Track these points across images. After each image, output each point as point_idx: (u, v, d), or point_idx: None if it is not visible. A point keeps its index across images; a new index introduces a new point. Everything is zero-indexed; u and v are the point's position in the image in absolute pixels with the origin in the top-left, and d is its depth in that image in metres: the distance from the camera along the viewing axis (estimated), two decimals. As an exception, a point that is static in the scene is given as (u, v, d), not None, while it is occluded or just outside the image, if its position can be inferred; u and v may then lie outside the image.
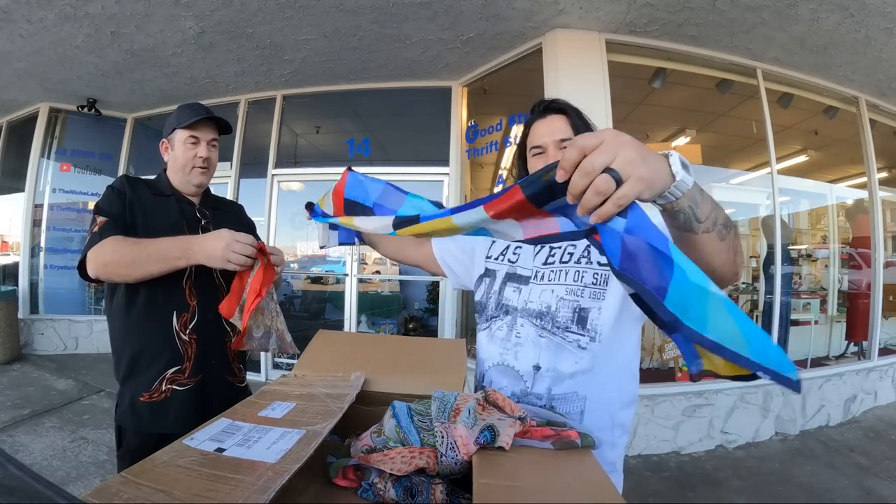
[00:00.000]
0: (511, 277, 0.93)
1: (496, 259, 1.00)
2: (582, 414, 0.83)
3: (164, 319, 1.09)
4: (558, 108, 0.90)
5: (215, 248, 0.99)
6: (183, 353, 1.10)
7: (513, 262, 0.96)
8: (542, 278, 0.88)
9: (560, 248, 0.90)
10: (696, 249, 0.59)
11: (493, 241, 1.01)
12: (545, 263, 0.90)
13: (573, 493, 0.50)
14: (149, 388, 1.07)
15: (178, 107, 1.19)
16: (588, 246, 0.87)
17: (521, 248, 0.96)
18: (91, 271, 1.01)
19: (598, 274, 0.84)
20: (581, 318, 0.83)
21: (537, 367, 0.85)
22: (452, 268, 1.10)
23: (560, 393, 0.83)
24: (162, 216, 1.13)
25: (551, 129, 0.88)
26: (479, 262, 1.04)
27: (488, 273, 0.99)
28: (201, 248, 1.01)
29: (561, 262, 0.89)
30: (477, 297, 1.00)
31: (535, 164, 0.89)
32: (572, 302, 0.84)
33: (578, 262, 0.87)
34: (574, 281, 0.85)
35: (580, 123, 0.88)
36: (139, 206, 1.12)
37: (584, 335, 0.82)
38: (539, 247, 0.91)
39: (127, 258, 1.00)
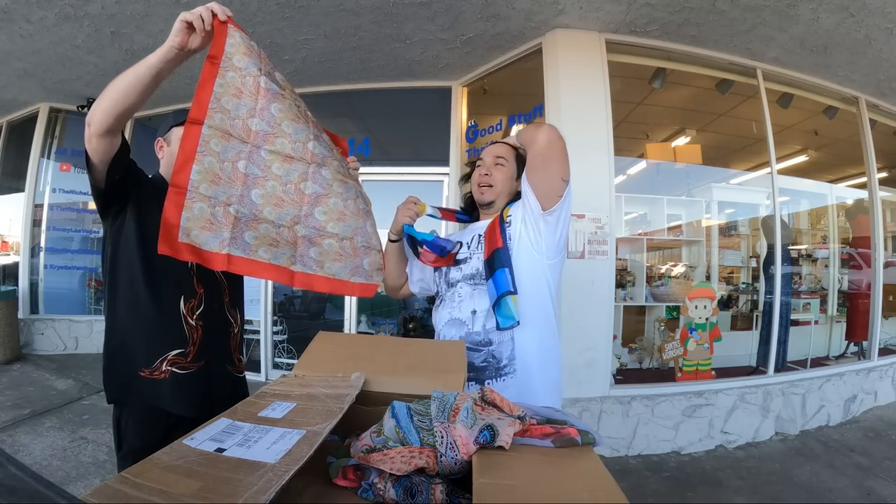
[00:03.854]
0: (455, 263, 1.24)
1: None
2: (513, 339, 1.12)
3: (172, 302, 1.10)
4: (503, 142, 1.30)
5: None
6: (189, 336, 1.11)
7: (455, 257, 1.25)
8: (473, 254, 1.21)
9: (484, 231, 1.23)
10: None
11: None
12: (478, 245, 1.22)
13: (574, 491, 0.50)
14: (149, 364, 1.07)
15: (175, 111, 1.23)
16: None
17: (461, 244, 1.28)
18: (92, 130, 0.97)
19: (509, 244, 1.15)
20: None
21: (474, 312, 1.15)
22: (414, 277, 1.39)
23: (493, 327, 1.11)
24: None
25: (494, 150, 1.27)
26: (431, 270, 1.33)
27: (437, 270, 1.30)
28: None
29: (484, 238, 1.20)
30: (434, 288, 1.32)
31: (475, 175, 1.29)
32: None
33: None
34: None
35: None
36: (145, 195, 1.11)
37: None
38: (471, 237, 1.24)
39: (112, 94, 0.94)
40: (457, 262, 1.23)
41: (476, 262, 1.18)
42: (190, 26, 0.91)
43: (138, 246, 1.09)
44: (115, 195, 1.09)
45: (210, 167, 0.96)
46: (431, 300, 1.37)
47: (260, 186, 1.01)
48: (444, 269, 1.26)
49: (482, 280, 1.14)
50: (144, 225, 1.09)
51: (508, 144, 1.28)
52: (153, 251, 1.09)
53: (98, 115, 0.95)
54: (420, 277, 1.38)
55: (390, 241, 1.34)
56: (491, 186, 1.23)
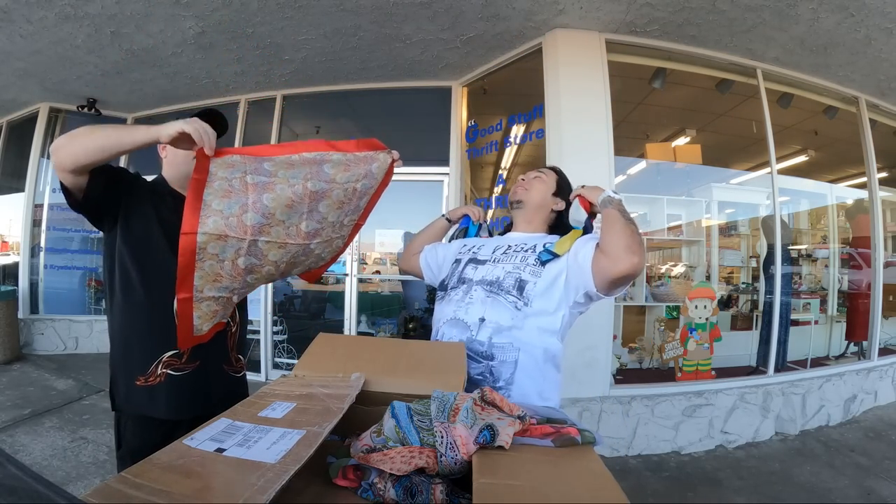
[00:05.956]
0: (472, 261, 1.23)
1: (463, 252, 1.29)
2: (516, 363, 1.06)
3: (166, 303, 1.08)
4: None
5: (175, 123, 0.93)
6: None
7: (475, 252, 1.26)
8: (497, 261, 1.19)
9: (515, 243, 1.22)
10: (604, 220, 1.06)
11: (464, 244, 1.34)
12: (503, 253, 1.20)
13: (575, 491, 0.50)
14: (144, 371, 1.07)
15: (176, 111, 1.22)
16: (535, 244, 1.19)
17: (484, 244, 1.28)
18: (54, 161, 1.00)
19: (538, 260, 1.12)
20: (520, 286, 1.10)
21: (482, 319, 1.09)
22: (430, 266, 1.41)
23: (499, 342, 1.06)
24: (165, 211, 1.13)
25: (538, 168, 1.34)
26: (451, 260, 1.33)
27: (456, 261, 1.28)
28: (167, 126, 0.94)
29: (514, 251, 1.19)
30: (443, 278, 1.28)
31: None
32: (515, 274, 1.12)
33: (526, 252, 1.17)
34: (520, 262, 1.15)
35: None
36: (139, 201, 1.12)
37: (520, 300, 1.08)
38: (498, 244, 1.25)
39: (86, 143, 0.96)
40: (477, 262, 1.22)
41: (499, 272, 1.15)
42: (186, 136, 0.93)
43: (132, 251, 1.09)
44: (105, 207, 1.09)
45: (211, 269, 0.98)
46: (432, 300, 1.38)
47: (256, 272, 1.07)
48: (461, 262, 1.25)
49: (500, 291, 1.11)
50: (137, 230, 1.09)
51: (554, 172, 1.33)
52: (146, 256, 1.10)
53: (62, 154, 0.96)
54: (434, 262, 1.41)
55: (445, 219, 1.51)
56: (527, 190, 1.29)
